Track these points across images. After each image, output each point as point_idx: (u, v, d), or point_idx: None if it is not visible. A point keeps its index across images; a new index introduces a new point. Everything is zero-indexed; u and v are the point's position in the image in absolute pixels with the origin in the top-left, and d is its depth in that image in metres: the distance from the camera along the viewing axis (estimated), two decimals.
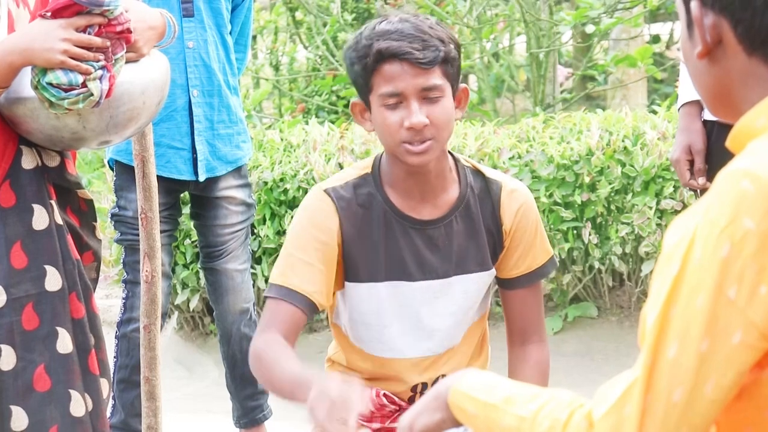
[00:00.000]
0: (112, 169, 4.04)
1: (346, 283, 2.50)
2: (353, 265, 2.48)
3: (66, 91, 2.32)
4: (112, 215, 3.98)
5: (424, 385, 2.54)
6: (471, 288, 2.52)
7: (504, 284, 2.59)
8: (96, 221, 2.67)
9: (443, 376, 2.53)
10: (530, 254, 2.56)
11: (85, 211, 2.63)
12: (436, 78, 2.37)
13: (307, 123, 6.27)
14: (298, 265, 2.44)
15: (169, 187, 3.90)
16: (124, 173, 3.88)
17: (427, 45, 2.35)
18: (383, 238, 2.47)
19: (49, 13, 2.33)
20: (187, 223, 5.08)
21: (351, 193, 2.47)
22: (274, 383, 2.35)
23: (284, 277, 2.44)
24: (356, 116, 2.49)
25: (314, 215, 2.46)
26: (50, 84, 2.32)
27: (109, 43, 2.36)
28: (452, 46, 2.40)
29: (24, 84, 2.37)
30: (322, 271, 2.43)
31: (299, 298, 2.41)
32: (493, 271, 2.55)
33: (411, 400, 2.54)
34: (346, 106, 7.98)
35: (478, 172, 2.55)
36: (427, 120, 2.35)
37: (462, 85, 2.46)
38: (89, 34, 2.34)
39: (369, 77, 2.38)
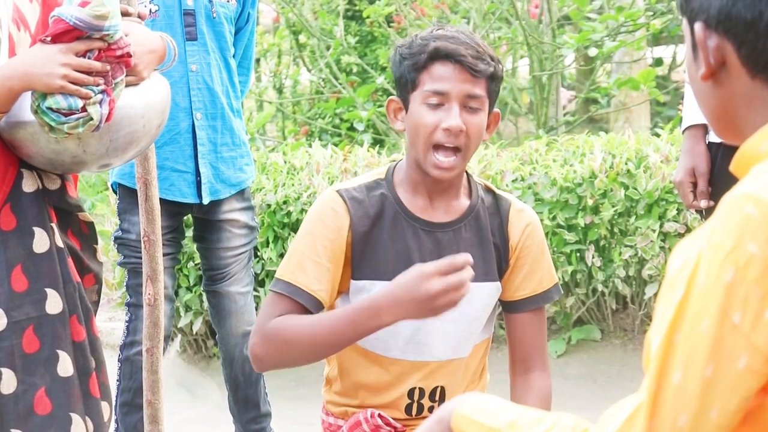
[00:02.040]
0: (115, 192, 4.04)
1: (352, 282, 2.51)
2: (360, 264, 2.50)
3: (66, 115, 2.32)
4: (116, 238, 3.98)
5: (421, 391, 2.54)
6: (475, 297, 2.52)
7: (508, 307, 2.60)
8: (97, 244, 2.67)
9: (442, 387, 2.53)
10: (536, 277, 2.57)
11: (86, 233, 2.63)
12: (481, 89, 2.43)
13: (310, 146, 6.27)
14: (305, 262, 2.45)
15: (173, 210, 3.90)
16: (128, 196, 3.89)
17: (480, 56, 2.41)
18: (392, 238, 2.50)
19: (48, 38, 2.33)
20: (190, 245, 5.08)
21: (363, 194, 2.51)
22: (315, 338, 2.38)
23: (291, 274, 2.45)
24: (389, 113, 2.53)
25: (325, 214, 2.49)
26: (50, 108, 2.32)
27: (108, 68, 2.36)
28: (500, 66, 2.47)
29: (24, 108, 2.37)
30: (329, 269, 2.46)
31: (305, 296, 2.44)
32: (498, 285, 2.56)
33: (407, 409, 2.55)
34: (350, 128, 7.99)
35: (488, 189, 2.60)
36: (464, 126, 2.40)
37: (495, 110, 2.52)
38: (89, 58, 2.34)
39: (418, 74, 2.43)
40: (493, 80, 2.45)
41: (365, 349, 2.54)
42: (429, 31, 2.48)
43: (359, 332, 2.34)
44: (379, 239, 2.50)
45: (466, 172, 2.57)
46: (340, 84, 7.74)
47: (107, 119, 2.36)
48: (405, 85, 2.47)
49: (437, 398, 2.56)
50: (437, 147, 2.42)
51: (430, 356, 2.54)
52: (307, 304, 2.44)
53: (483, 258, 2.53)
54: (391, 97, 2.53)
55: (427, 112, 2.42)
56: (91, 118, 2.33)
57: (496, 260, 2.56)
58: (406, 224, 2.51)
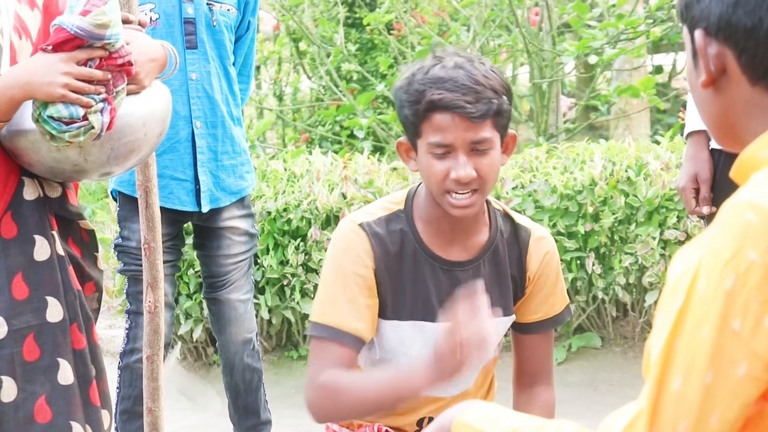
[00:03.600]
0: (115, 200, 4.04)
1: (380, 320, 2.46)
2: (384, 303, 2.45)
3: (67, 124, 2.32)
4: (116, 246, 3.98)
5: (431, 420, 2.53)
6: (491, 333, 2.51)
7: (519, 328, 2.58)
8: (98, 252, 2.67)
9: None
10: (549, 301, 2.55)
11: (86, 241, 2.63)
12: (486, 131, 2.31)
13: (310, 153, 6.27)
14: (341, 302, 2.38)
15: (173, 217, 3.90)
16: (128, 204, 3.89)
17: (480, 97, 2.29)
18: (412, 277, 2.44)
19: (50, 47, 2.33)
20: (190, 253, 5.08)
21: (384, 229, 2.44)
22: (366, 400, 2.31)
23: (331, 316, 2.38)
24: (401, 155, 2.45)
25: (351, 249, 2.41)
26: (51, 117, 2.32)
27: (110, 76, 2.36)
28: (505, 97, 2.34)
29: (25, 117, 2.37)
30: (368, 306, 2.40)
31: (348, 337, 2.37)
32: (513, 317, 2.54)
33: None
34: (350, 136, 7.99)
35: (507, 217, 2.53)
36: (475, 173, 2.32)
37: (510, 132, 2.42)
38: (90, 67, 2.34)
39: (419, 123, 2.33)
40: (499, 115, 2.33)
41: None
42: (426, 70, 2.34)
43: (403, 397, 2.27)
44: (399, 277, 2.44)
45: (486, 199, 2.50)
46: (341, 91, 7.74)
47: (108, 128, 2.36)
48: (410, 131, 2.38)
49: None
50: (450, 191, 2.34)
51: (445, 393, 2.50)
52: (351, 344, 2.37)
53: (500, 293, 2.49)
54: (399, 140, 2.44)
55: (435, 161, 2.33)
56: (92, 127, 2.33)
57: (512, 291, 2.52)
58: (426, 263, 2.45)
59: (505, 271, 2.50)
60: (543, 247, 2.52)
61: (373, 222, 2.44)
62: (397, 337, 2.46)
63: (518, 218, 2.54)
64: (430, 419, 2.52)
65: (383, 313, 2.45)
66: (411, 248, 2.44)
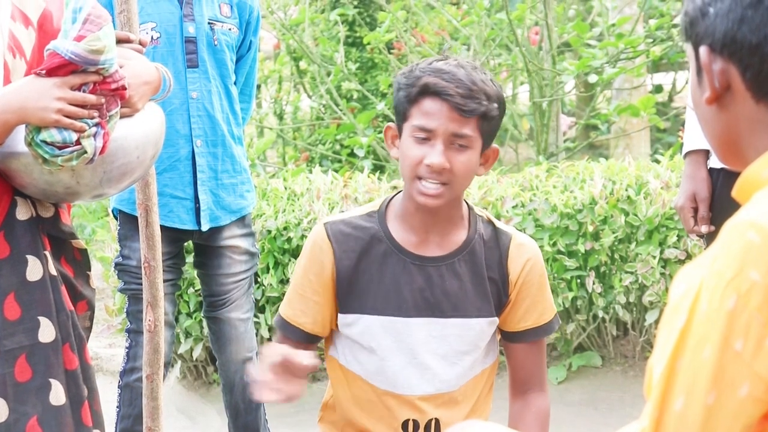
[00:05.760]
0: (116, 219, 4.04)
1: (339, 315, 2.54)
2: (347, 298, 2.52)
3: (60, 148, 2.31)
4: (116, 264, 3.98)
5: (416, 424, 2.54)
6: (467, 333, 2.52)
7: (508, 337, 2.60)
8: (90, 270, 2.65)
9: (436, 420, 2.53)
10: (537, 310, 2.57)
11: (79, 260, 2.62)
12: (470, 129, 2.40)
13: (310, 172, 6.28)
14: (294, 297, 2.57)
15: (173, 236, 3.90)
16: (128, 223, 3.89)
17: (471, 95, 2.38)
18: (381, 272, 2.51)
19: (44, 72, 2.31)
20: (190, 272, 5.08)
21: (351, 227, 2.53)
22: None
23: (283, 308, 2.59)
24: (387, 139, 2.55)
25: (311, 249, 2.55)
26: (44, 142, 2.31)
27: (103, 100, 2.34)
28: (495, 105, 2.42)
29: (18, 139, 2.36)
30: (317, 303, 2.53)
31: (295, 331, 2.56)
32: (495, 320, 2.56)
33: None
34: (350, 154, 8.00)
35: (489, 222, 2.58)
36: (448, 164, 2.39)
37: (494, 146, 2.49)
38: (84, 91, 2.32)
39: (409, 105, 2.43)
40: (486, 119, 2.41)
41: (359, 377, 2.55)
42: (430, 61, 2.46)
43: None
44: (366, 273, 2.51)
45: (467, 203, 2.56)
46: (341, 110, 7.75)
47: (101, 152, 2.35)
48: (399, 115, 2.48)
49: (432, 431, 2.56)
50: (421, 178, 2.42)
51: (420, 390, 2.53)
52: (295, 337, 2.55)
53: (477, 294, 2.53)
54: (388, 124, 2.54)
55: (414, 145, 2.42)
56: (85, 152, 2.32)
57: (494, 295, 2.55)
58: (396, 258, 2.51)
59: (482, 272, 2.54)
60: (525, 253, 2.56)
61: (341, 221, 2.55)
62: (369, 332, 2.52)
63: (500, 225, 2.59)
64: (415, 422, 2.53)
65: (350, 308, 2.53)
66: (381, 245, 2.52)
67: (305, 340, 2.54)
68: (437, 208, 2.46)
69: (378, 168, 7.53)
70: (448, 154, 2.39)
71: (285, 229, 5.38)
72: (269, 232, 5.37)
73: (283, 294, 5.33)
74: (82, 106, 2.32)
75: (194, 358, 5.61)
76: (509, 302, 2.56)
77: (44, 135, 2.31)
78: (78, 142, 2.32)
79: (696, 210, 3.34)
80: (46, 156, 2.31)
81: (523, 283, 2.55)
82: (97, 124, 2.34)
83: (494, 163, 2.53)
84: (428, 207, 2.44)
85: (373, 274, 2.50)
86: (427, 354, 2.51)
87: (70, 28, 2.32)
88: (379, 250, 2.51)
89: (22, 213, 2.47)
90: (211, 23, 3.91)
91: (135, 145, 2.45)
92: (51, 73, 2.31)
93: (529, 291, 2.55)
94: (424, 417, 2.54)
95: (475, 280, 2.53)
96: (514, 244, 2.55)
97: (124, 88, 2.37)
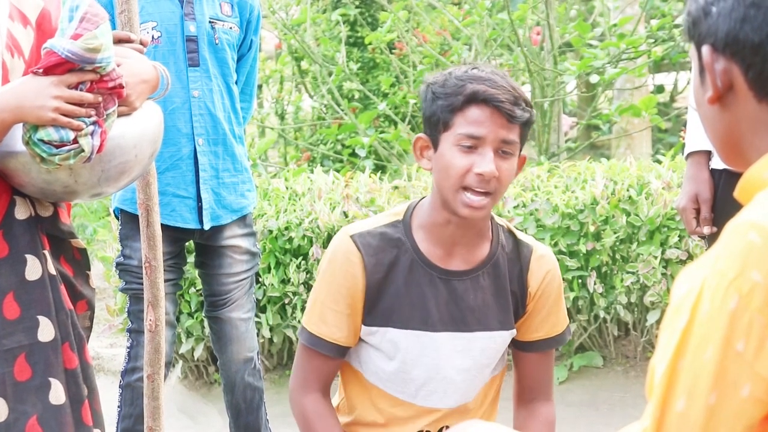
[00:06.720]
0: (117, 218, 4.04)
1: (363, 327, 2.50)
2: (373, 311, 2.48)
3: (57, 147, 2.30)
4: (117, 264, 3.98)
5: None
6: (490, 345, 2.51)
7: (520, 346, 2.59)
8: (89, 269, 2.65)
9: (446, 427, 2.52)
10: (550, 320, 2.56)
11: (78, 260, 2.61)
12: (516, 135, 2.38)
13: (312, 172, 6.28)
14: (326, 312, 2.49)
15: (174, 235, 3.90)
16: (130, 222, 3.89)
17: (517, 101, 2.36)
18: (407, 286, 2.47)
19: (41, 70, 2.31)
20: (191, 271, 5.08)
21: (378, 239, 2.47)
22: None
23: (314, 325, 2.51)
24: (415, 151, 2.48)
25: (339, 262, 2.48)
26: (41, 140, 2.30)
27: (100, 99, 2.34)
28: (533, 111, 2.42)
29: (16, 138, 2.35)
30: (349, 315, 2.48)
31: (329, 347, 2.50)
32: (513, 332, 2.55)
33: None
34: (351, 154, 7.99)
35: (510, 233, 2.55)
36: (497, 172, 2.35)
37: (523, 153, 2.46)
38: (81, 90, 2.31)
39: (452, 115, 2.37)
40: (527, 125, 2.40)
41: (376, 387, 2.54)
42: (464, 70, 2.41)
43: None
44: (393, 286, 2.47)
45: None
46: (342, 110, 7.75)
47: (99, 150, 2.34)
48: (436, 125, 2.40)
49: None
50: (467, 188, 2.37)
51: (441, 404, 2.52)
52: (333, 354, 2.51)
53: (499, 306, 2.51)
54: (418, 135, 2.47)
55: (460, 154, 2.36)
56: (83, 150, 2.31)
57: (513, 306, 2.53)
58: (422, 272, 2.47)
59: (505, 285, 2.51)
60: (544, 265, 2.53)
61: (367, 233, 2.48)
62: (394, 345, 2.49)
63: (521, 235, 2.56)
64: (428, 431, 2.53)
65: (376, 321, 2.49)
66: (407, 258, 2.47)
67: (338, 354, 2.51)
68: (475, 221, 2.43)
69: (379, 168, 7.53)
70: (496, 162, 2.36)
71: (286, 229, 5.38)
72: (270, 231, 5.37)
73: (285, 294, 5.33)
74: (80, 105, 2.31)
75: (195, 358, 5.61)
76: (526, 313, 2.55)
77: (41, 134, 2.30)
78: (75, 141, 2.31)
79: (698, 211, 3.33)
80: (44, 155, 2.31)
81: (541, 296, 2.53)
82: (94, 123, 2.33)
83: (521, 169, 2.49)
84: (472, 220, 2.40)
85: (399, 287, 2.47)
86: (451, 369, 2.49)
87: (66, 26, 2.31)
88: (405, 263, 2.47)
89: (21, 212, 2.47)
90: (212, 22, 3.90)
91: (133, 143, 2.44)
92: (48, 71, 2.31)
93: (546, 303, 2.54)
94: (438, 425, 2.54)
95: (497, 292, 2.50)
96: (535, 257, 2.53)
97: (121, 86, 2.37)
